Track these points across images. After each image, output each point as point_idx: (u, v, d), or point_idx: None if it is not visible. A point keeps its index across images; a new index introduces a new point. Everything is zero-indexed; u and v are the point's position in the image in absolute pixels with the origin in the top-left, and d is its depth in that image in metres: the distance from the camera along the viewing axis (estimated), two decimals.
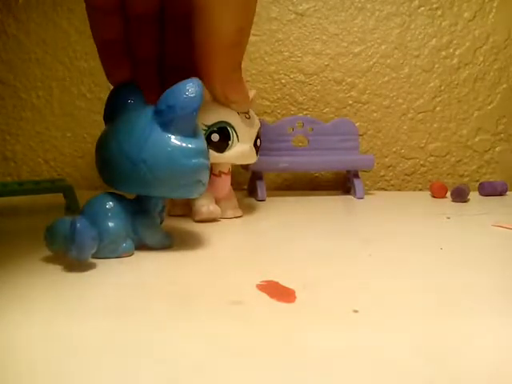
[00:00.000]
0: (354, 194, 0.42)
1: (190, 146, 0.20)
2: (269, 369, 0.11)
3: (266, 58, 0.49)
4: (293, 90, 0.49)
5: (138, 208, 0.21)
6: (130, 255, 0.21)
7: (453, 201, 0.40)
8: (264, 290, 0.17)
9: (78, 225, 0.18)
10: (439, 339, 0.13)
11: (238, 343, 0.12)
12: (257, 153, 0.31)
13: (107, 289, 0.17)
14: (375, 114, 0.50)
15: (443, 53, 0.50)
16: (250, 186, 0.44)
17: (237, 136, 0.28)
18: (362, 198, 0.41)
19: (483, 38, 0.50)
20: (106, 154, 0.21)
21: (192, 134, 0.21)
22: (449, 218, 0.32)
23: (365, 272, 0.19)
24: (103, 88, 0.48)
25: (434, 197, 0.42)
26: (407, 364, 0.11)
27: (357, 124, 0.47)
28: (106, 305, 0.15)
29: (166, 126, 0.20)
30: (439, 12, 0.49)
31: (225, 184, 0.31)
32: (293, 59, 0.49)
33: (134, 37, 0.26)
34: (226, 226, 0.29)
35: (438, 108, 0.50)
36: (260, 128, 0.30)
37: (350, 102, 0.50)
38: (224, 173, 0.30)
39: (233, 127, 0.28)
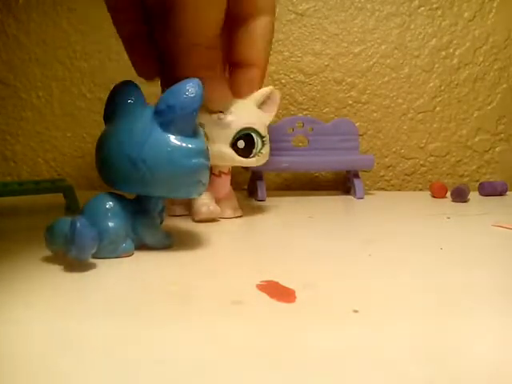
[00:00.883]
0: (354, 194, 0.42)
1: (190, 146, 0.20)
2: (269, 369, 0.11)
3: None
4: (293, 90, 0.49)
5: (138, 208, 0.21)
6: (130, 255, 0.21)
7: (453, 201, 0.40)
8: (264, 289, 0.17)
9: (78, 225, 0.18)
10: (439, 339, 0.13)
11: (238, 343, 0.12)
12: (244, 155, 0.29)
13: (107, 289, 0.17)
14: (375, 114, 0.50)
15: (443, 53, 0.50)
16: (249, 186, 0.43)
17: (206, 136, 0.28)
18: (362, 198, 0.41)
19: (483, 38, 0.50)
20: (106, 154, 0.21)
21: (192, 133, 0.21)
22: (449, 217, 0.32)
23: (365, 272, 0.19)
24: (103, 88, 0.48)
25: (433, 197, 0.42)
26: (407, 364, 0.11)
27: (357, 124, 0.47)
28: (105, 305, 0.15)
29: (166, 125, 0.20)
30: (439, 12, 0.49)
31: (225, 184, 0.31)
32: (293, 59, 0.49)
33: (157, 30, 0.26)
34: (226, 225, 0.29)
35: (437, 108, 0.50)
36: (246, 129, 0.28)
37: (350, 102, 0.50)
38: (224, 173, 0.30)
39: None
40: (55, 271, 0.19)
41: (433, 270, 0.20)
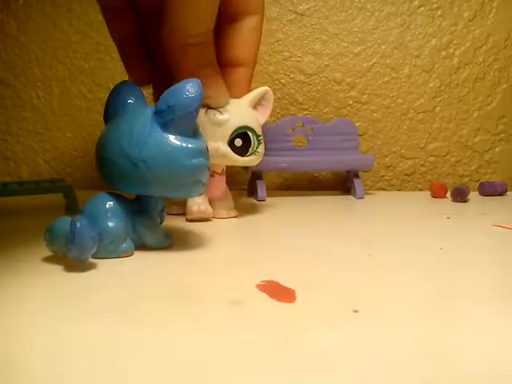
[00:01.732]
0: (354, 194, 0.42)
1: (189, 146, 0.20)
2: (269, 369, 0.11)
3: (266, 58, 0.49)
4: (293, 90, 0.49)
5: (138, 208, 0.21)
6: (130, 255, 0.21)
7: (453, 201, 0.40)
8: (264, 289, 0.17)
9: (78, 225, 0.18)
10: (439, 339, 0.13)
11: (238, 343, 0.12)
12: (241, 154, 0.29)
13: (107, 289, 0.17)
14: (375, 114, 0.50)
15: (443, 53, 0.50)
16: (249, 186, 0.44)
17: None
18: (362, 198, 0.41)
19: (483, 38, 0.50)
20: (106, 153, 0.21)
21: (192, 133, 0.21)
22: (449, 217, 0.32)
23: (365, 272, 0.19)
24: (103, 88, 0.48)
25: (433, 197, 0.42)
26: (407, 364, 0.11)
27: (357, 124, 0.47)
28: (105, 305, 0.15)
29: (166, 126, 0.20)
30: (439, 12, 0.49)
31: (218, 184, 0.30)
32: (293, 59, 0.49)
33: (149, 34, 0.26)
34: (226, 226, 0.29)
35: (437, 108, 0.50)
36: (243, 127, 0.28)
37: (350, 102, 0.50)
38: (217, 173, 0.30)
39: None
40: (55, 271, 0.19)
41: (433, 270, 0.20)
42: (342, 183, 0.47)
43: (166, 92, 0.20)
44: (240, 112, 0.28)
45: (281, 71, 0.49)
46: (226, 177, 0.31)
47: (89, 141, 0.49)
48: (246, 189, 0.45)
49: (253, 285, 0.17)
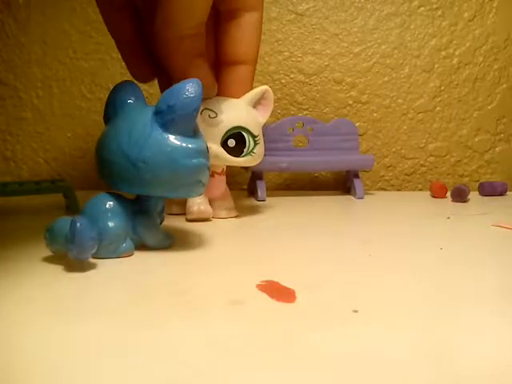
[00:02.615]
0: (354, 194, 0.42)
1: (190, 146, 0.20)
2: (269, 369, 0.11)
3: (266, 58, 0.49)
4: (293, 90, 0.49)
5: (138, 208, 0.21)
6: (130, 255, 0.21)
7: (453, 201, 0.40)
8: (264, 289, 0.17)
9: (78, 225, 0.18)
10: (439, 339, 0.13)
11: (238, 343, 0.12)
12: (235, 154, 0.28)
13: (107, 289, 0.17)
14: (375, 114, 0.50)
15: (443, 53, 0.50)
16: (249, 186, 0.44)
17: None
18: (362, 198, 0.41)
19: (483, 38, 0.50)
20: (106, 154, 0.21)
21: (192, 133, 0.21)
22: (449, 217, 0.32)
23: (365, 272, 0.19)
24: (103, 88, 0.48)
25: (433, 197, 0.42)
26: (407, 364, 0.11)
27: (357, 124, 0.47)
28: (105, 305, 0.15)
29: (166, 126, 0.20)
30: (439, 12, 0.49)
31: (218, 184, 0.30)
32: (293, 59, 0.49)
33: (148, 30, 0.26)
34: (226, 226, 0.29)
35: (437, 108, 0.50)
36: (236, 127, 0.28)
37: (350, 102, 0.50)
38: (217, 173, 0.30)
39: None
40: (55, 271, 0.19)
41: (433, 270, 0.20)
42: (342, 183, 0.47)
43: (165, 92, 0.20)
44: (234, 112, 0.28)
45: (281, 71, 0.49)
46: (226, 177, 0.31)
47: (89, 141, 0.49)
48: (246, 189, 0.45)
49: (253, 285, 0.17)
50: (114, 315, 0.14)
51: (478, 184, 0.45)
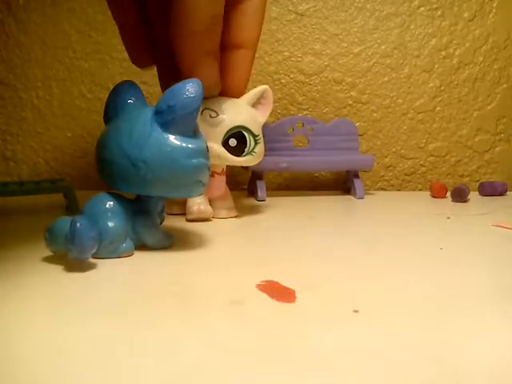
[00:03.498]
0: (354, 194, 0.42)
1: (190, 146, 0.20)
2: (269, 369, 0.11)
3: (266, 58, 0.49)
4: (293, 90, 0.49)
5: (138, 208, 0.21)
6: (130, 255, 0.21)
7: (453, 201, 0.40)
8: (264, 289, 0.17)
9: (78, 225, 0.18)
10: (439, 339, 0.13)
11: (238, 343, 0.12)
12: (236, 154, 0.28)
13: (107, 289, 0.17)
14: (375, 114, 0.50)
15: (443, 53, 0.50)
16: (249, 186, 0.44)
17: None
18: (362, 198, 0.41)
19: (483, 38, 0.50)
20: (106, 154, 0.21)
21: (192, 133, 0.21)
22: (449, 217, 0.32)
23: (365, 272, 0.19)
24: (103, 88, 0.48)
25: (433, 197, 0.42)
26: (407, 364, 0.11)
27: (357, 124, 0.47)
28: (105, 305, 0.15)
29: (166, 126, 0.20)
30: (439, 12, 0.49)
31: (218, 184, 0.30)
32: (293, 59, 0.49)
33: (154, 21, 0.26)
34: (226, 226, 0.29)
35: (437, 108, 0.50)
36: (237, 127, 0.28)
37: (350, 102, 0.50)
38: (217, 173, 0.30)
39: None
40: (55, 271, 0.19)
41: (433, 270, 0.20)
42: (342, 183, 0.47)
43: (165, 92, 0.20)
44: (235, 112, 0.28)
45: (281, 71, 0.49)
46: (226, 177, 0.31)
47: (89, 141, 0.49)
48: (246, 189, 0.45)
49: (253, 285, 0.17)
50: (114, 315, 0.14)
51: (478, 184, 0.45)
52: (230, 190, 0.32)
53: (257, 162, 0.30)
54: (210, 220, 0.30)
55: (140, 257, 0.21)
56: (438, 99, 0.50)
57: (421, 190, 0.51)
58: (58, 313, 0.15)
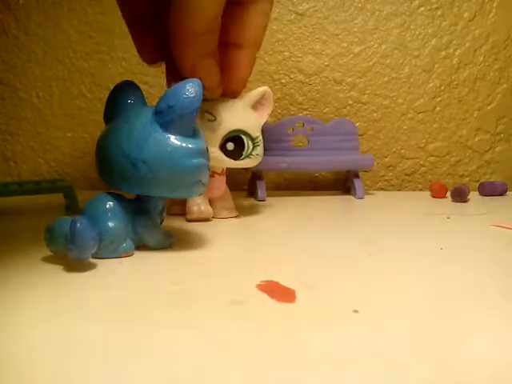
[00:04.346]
0: (354, 194, 0.42)
1: (190, 146, 0.20)
2: (269, 369, 0.11)
3: (266, 58, 0.49)
4: (293, 90, 0.49)
5: (138, 208, 0.21)
6: (130, 255, 0.21)
7: (453, 201, 0.40)
8: (264, 289, 0.17)
9: (78, 225, 0.18)
10: (439, 339, 0.13)
11: (238, 343, 0.12)
12: (234, 157, 0.28)
13: (107, 289, 0.17)
14: (375, 114, 0.50)
15: (443, 53, 0.50)
16: (249, 186, 0.44)
17: None
18: (362, 198, 0.41)
19: (483, 37, 0.50)
20: (106, 153, 0.21)
21: (192, 133, 0.21)
22: (449, 217, 0.32)
23: (365, 272, 0.19)
24: (103, 88, 0.48)
25: (433, 197, 0.42)
26: (407, 364, 0.11)
27: (357, 124, 0.47)
28: (105, 305, 0.15)
29: (166, 126, 0.20)
30: (439, 12, 0.49)
31: (218, 185, 0.30)
32: (293, 59, 0.49)
33: (163, 14, 0.26)
34: (226, 226, 0.29)
35: (437, 108, 0.50)
36: (235, 131, 0.28)
37: (350, 102, 0.50)
38: (217, 173, 0.30)
39: None
40: (55, 271, 0.19)
41: (433, 270, 0.20)
42: (342, 183, 0.47)
43: (165, 92, 0.20)
44: (233, 115, 0.28)
45: (281, 71, 0.49)
46: (226, 177, 0.31)
47: (89, 141, 0.49)
48: (246, 189, 0.45)
49: (253, 285, 0.17)
50: (113, 315, 0.14)
51: (478, 184, 0.45)
52: (230, 190, 0.32)
53: (255, 164, 0.30)
54: (210, 220, 0.30)
55: (140, 257, 0.21)
56: (438, 99, 0.50)
57: (421, 190, 0.51)
58: (57, 313, 0.15)
